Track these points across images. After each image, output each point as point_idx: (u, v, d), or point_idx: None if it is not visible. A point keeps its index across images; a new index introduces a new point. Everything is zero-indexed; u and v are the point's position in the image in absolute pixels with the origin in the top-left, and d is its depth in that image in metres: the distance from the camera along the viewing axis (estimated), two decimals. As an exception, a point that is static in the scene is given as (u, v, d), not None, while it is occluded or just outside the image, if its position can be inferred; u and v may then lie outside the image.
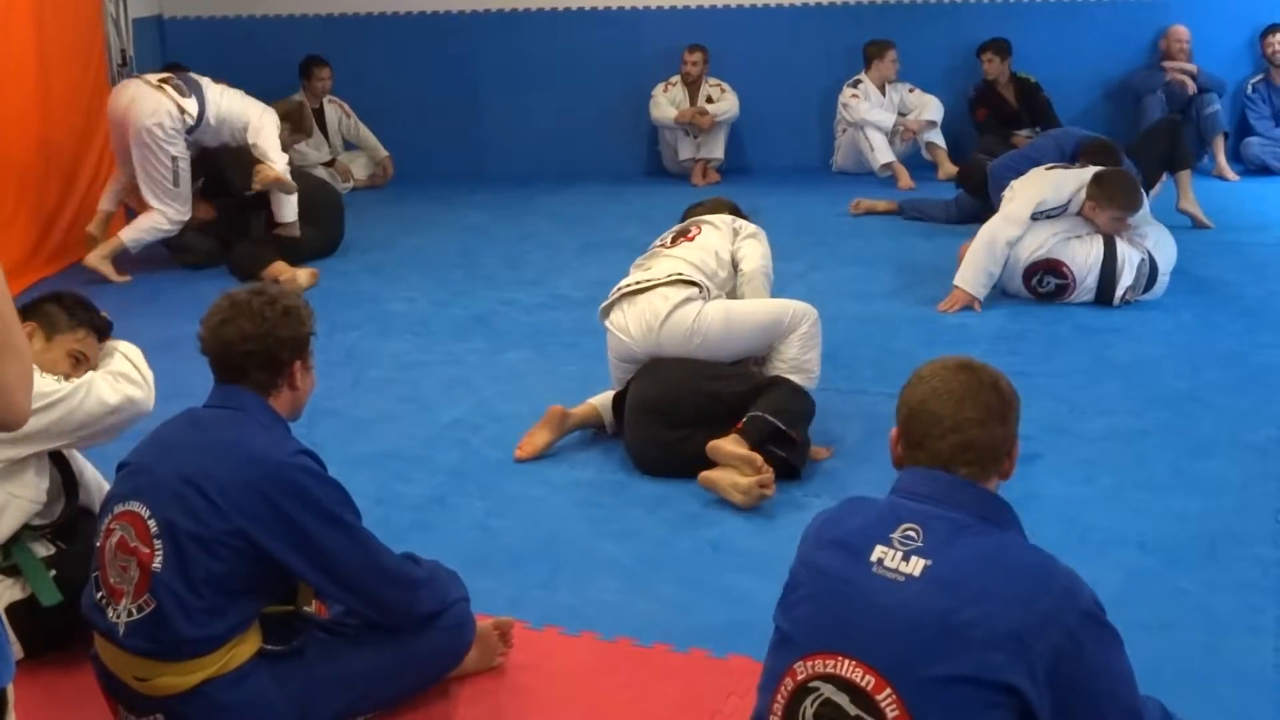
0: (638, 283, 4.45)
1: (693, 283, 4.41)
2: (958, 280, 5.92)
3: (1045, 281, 5.94)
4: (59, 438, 3.15)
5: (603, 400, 4.57)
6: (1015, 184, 6.15)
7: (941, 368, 2.21)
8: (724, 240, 4.65)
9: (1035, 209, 5.93)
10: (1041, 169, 6.24)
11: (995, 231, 5.92)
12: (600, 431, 4.58)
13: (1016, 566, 2.05)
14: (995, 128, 8.51)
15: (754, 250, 4.65)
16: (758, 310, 4.45)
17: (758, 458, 3.99)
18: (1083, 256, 5.87)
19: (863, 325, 5.72)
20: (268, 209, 7.00)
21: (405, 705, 2.98)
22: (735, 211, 4.88)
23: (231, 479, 2.67)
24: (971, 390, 2.16)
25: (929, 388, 2.18)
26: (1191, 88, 8.46)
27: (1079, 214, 5.95)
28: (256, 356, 2.79)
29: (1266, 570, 3.56)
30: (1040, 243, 5.89)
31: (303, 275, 6.62)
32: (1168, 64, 8.52)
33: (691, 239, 4.62)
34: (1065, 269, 5.89)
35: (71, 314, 3.31)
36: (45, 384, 3.09)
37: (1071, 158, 6.59)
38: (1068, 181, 6.00)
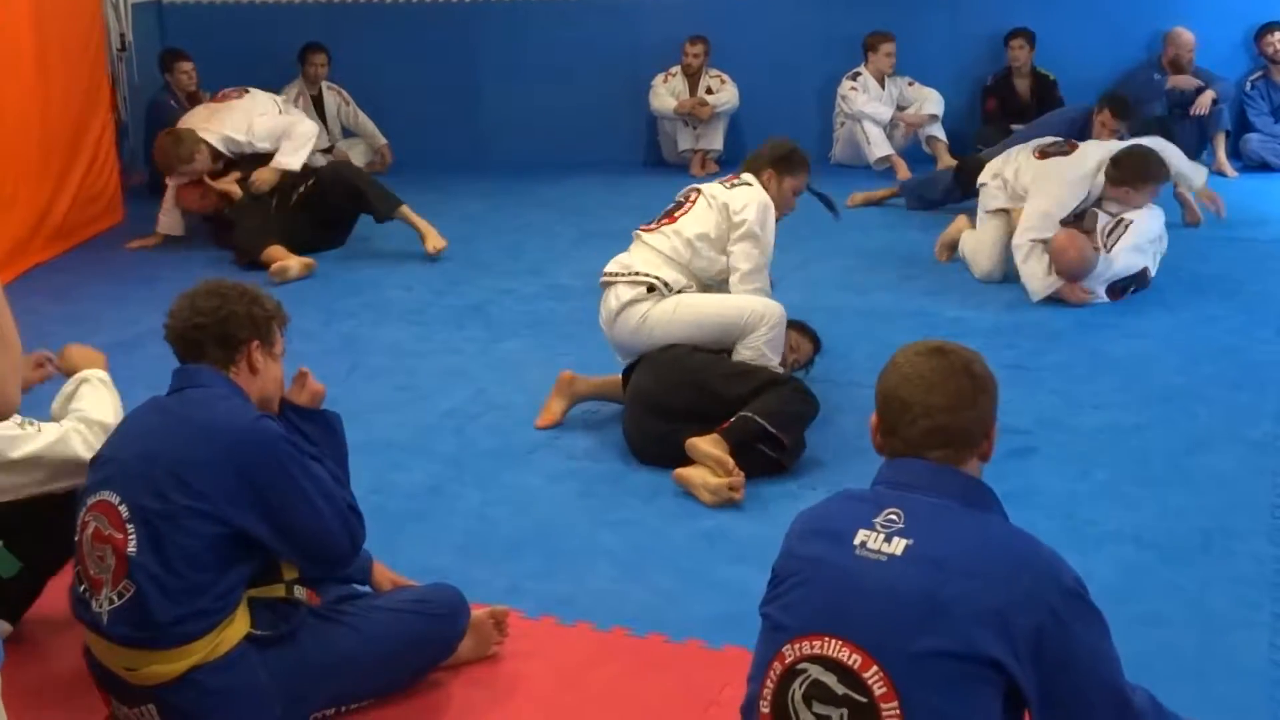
0: (610, 274, 4.50)
1: (650, 279, 4.40)
2: (1036, 297, 5.88)
3: (1130, 288, 5.93)
4: (20, 490, 3.06)
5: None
6: (1034, 187, 6.03)
7: (914, 353, 2.21)
8: (711, 221, 4.48)
9: (1060, 214, 5.89)
10: (1045, 163, 6.16)
11: (1029, 238, 5.89)
12: (619, 402, 4.58)
13: (998, 545, 2.07)
14: (999, 119, 8.51)
15: (743, 258, 4.47)
16: (706, 315, 4.40)
17: (729, 460, 3.98)
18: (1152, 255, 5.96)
19: (860, 317, 5.72)
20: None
21: (399, 693, 2.98)
22: (780, 159, 4.67)
23: (193, 453, 2.68)
24: (941, 376, 2.16)
25: (900, 374, 2.19)
26: (1192, 85, 8.44)
27: (1103, 198, 5.92)
28: (210, 330, 2.82)
29: (1262, 565, 3.56)
30: (1128, 261, 5.86)
31: (294, 264, 6.60)
32: (1174, 79, 8.49)
33: (675, 220, 4.54)
34: (1148, 273, 5.96)
35: None
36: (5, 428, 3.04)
37: (1083, 127, 6.69)
38: (1081, 179, 5.93)
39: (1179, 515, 3.86)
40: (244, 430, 2.73)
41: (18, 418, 3.08)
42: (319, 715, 2.88)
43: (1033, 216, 5.95)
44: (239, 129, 7.06)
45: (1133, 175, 5.88)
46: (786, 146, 4.75)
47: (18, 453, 3.01)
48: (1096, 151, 6.06)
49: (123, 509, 2.69)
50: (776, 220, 4.64)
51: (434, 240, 6.85)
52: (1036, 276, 5.85)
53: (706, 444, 4.03)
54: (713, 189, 4.60)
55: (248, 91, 7.44)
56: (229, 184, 7.03)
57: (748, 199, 4.54)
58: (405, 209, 6.94)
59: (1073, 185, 5.95)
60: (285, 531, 2.74)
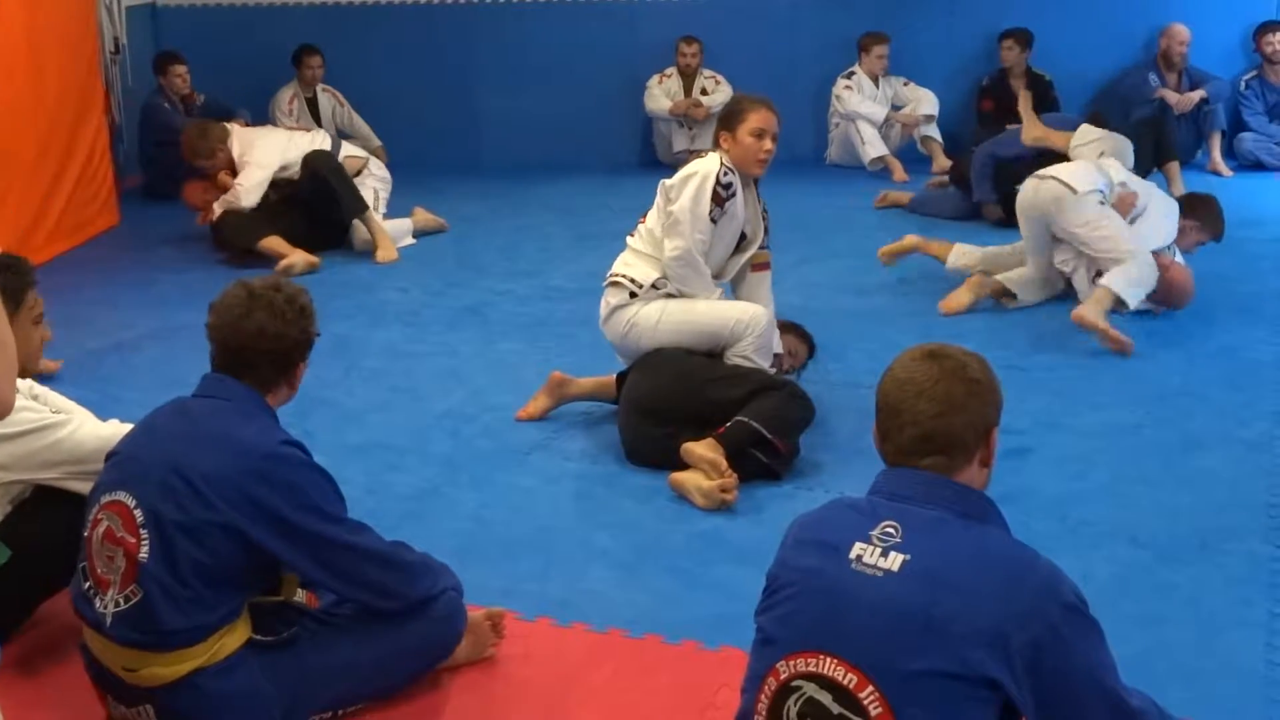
0: (607, 276, 4.53)
1: (619, 278, 4.43)
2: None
3: None
4: (43, 469, 3.09)
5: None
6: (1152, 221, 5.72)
7: (909, 358, 2.19)
8: (660, 216, 4.42)
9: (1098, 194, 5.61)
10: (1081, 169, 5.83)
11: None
12: (613, 403, 4.58)
13: (996, 560, 2.04)
14: (994, 120, 8.52)
15: (668, 241, 4.36)
16: (690, 324, 4.38)
17: (722, 462, 3.98)
18: None
19: (856, 318, 5.73)
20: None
21: (396, 696, 2.98)
22: (723, 117, 4.45)
23: (218, 469, 2.66)
24: (931, 381, 2.13)
25: (894, 380, 2.17)
26: (1181, 107, 8.46)
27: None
28: (273, 356, 2.79)
29: (1258, 565, 3.56)
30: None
31: (299, 260, 6.63)
32: (1162, 91, 8.52)
33: (644, 220, 4.53)
34: None
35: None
36: (30, 413, 3.06)
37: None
38: (1095, 170, 5.74)
39: (1175, 515, 3.86)
40: (271, 454, 2.71)
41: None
42: (316, 718, 2.87)
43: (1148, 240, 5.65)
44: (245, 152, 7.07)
45: (1208, 219, 5.85)
46: (726, 104, 4.57)
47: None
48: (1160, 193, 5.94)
49: (138, 513, 2.67)
50: (754, 172, 4.43)
51: (384, 252, 6.94)
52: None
53: (701, 448, 4.03)
54: (671, 179, 4.45)
55: (309, 130, 7.57)
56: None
57: (684, 182, 4.34)
58: (370, 214, 7.05)
59: (1098, 169, 5.76)
60: (323, 559, 2.74)
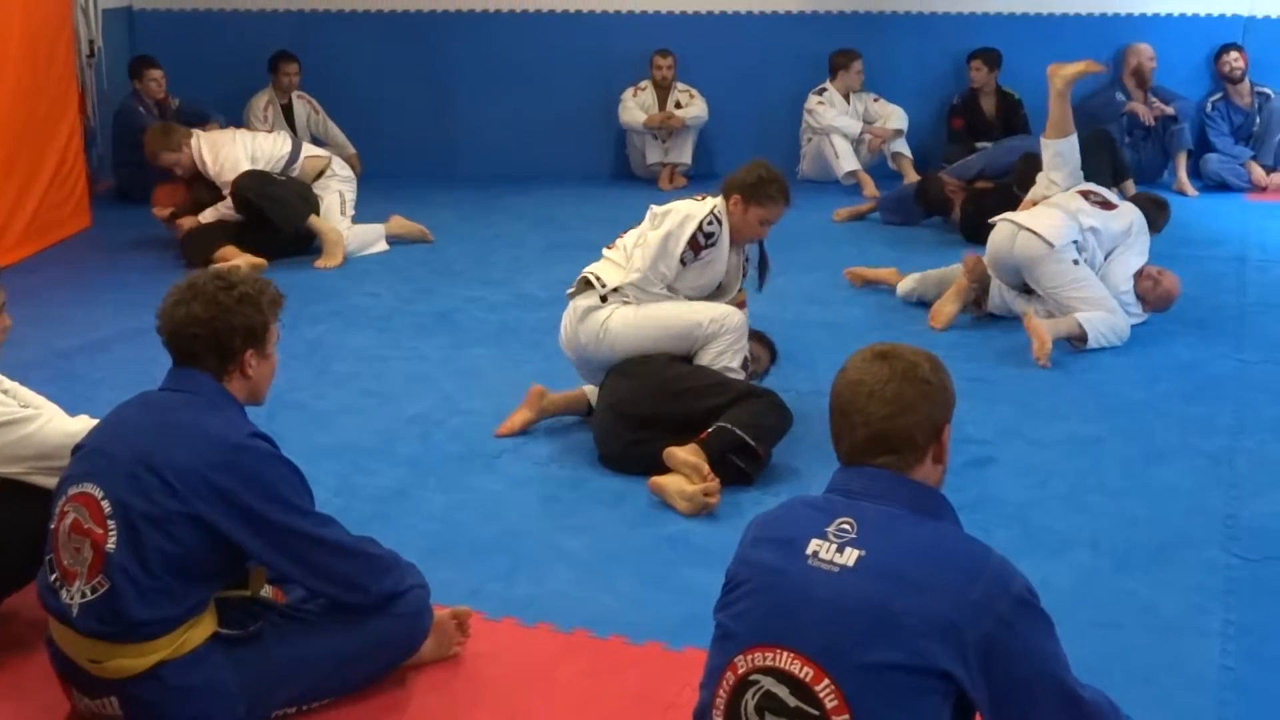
0: (572, 287, 4.56)
1: (590, 275, 4.47)
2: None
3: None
4: (10, 463, 3.08)
5: (592, 390, 4.62)
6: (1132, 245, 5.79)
7: (860, 360, 2.24)
8: (643, 230, 4.50)
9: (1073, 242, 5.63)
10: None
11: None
12: (587, 418, 4.60)
13: (949, 555, 2.08)
14: (964, 139, 8.60)
15: (634, 260, 4.45)
16: (665, 322, 4.41)
17: (705, 466, 4.01)
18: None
19: (825, 329, 5.77)
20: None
21: (361, 693, 2.99)
22: (750, 187, 4.44)
23: (185, 461, 2.68)
24: (881, 382, 2.17)
25: (845, 381, 2.22)
26: (1149, 118, 8.59)
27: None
28: (205, 341, 2.79)
29: (1215, 573, 3.62)
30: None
31: (243, 262, 6.57)
32: (1131, 105, 8.64)
33: (623, 236, 4.59)
34: None
35: None
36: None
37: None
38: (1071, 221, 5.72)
39: (1135, 524, 3.92)
40: (238, 446, 2.72)
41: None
42: (281, 713, 2.89)
43: (1128, 270, 5.75)
44: (217, 158, 7.03)
45: (1159, 223, 6.11)
46: (757, 174, 4.49)
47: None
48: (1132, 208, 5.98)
49: (105, 504, 2.68)
50: (736, 244, 4.59)
51: (327, 259, 6.93)
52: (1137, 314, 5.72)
53: (684, 452, 4.06)
54: (663, 206, 4.53)
55: (271, 133, 7.50)
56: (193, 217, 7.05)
57: (668, 215, 4.43)
58: (314, 219, 7.02)
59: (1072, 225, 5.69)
60: (289, 552, 2.76)
